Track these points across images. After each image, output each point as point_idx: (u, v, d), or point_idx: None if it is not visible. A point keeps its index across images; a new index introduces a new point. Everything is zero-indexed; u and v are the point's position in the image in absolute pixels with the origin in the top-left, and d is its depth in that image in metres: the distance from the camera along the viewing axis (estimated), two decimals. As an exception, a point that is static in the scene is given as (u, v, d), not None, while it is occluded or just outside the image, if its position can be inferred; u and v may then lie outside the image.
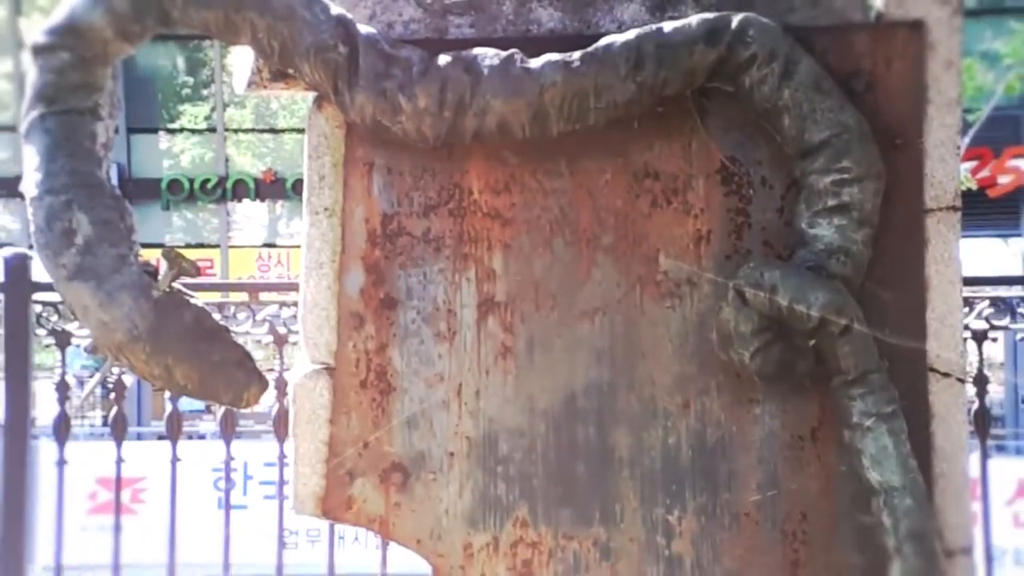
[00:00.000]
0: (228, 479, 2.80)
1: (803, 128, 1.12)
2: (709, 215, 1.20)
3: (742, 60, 1.11)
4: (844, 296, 1.10)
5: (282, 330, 2.42)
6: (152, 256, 1.17)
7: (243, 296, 2.79)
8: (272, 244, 12.10)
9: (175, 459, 2.59)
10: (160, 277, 1.13)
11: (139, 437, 8.25)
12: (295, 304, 2.00)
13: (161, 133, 12.18)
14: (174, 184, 11.63)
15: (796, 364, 1.14)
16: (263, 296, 2.72)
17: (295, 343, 2.23)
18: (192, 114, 12.23)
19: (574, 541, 1.20)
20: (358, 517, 1.22)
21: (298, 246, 1.26)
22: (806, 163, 1.14)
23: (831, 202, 1.12)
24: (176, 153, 12.15)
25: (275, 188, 11.73)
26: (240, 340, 1.30)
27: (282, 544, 2.68)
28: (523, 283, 1.21)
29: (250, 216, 12.38)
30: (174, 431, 2.58)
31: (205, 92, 12.27)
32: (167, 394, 2.44)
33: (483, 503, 1.20)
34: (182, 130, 12.16)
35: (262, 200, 12.00)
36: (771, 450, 1.20)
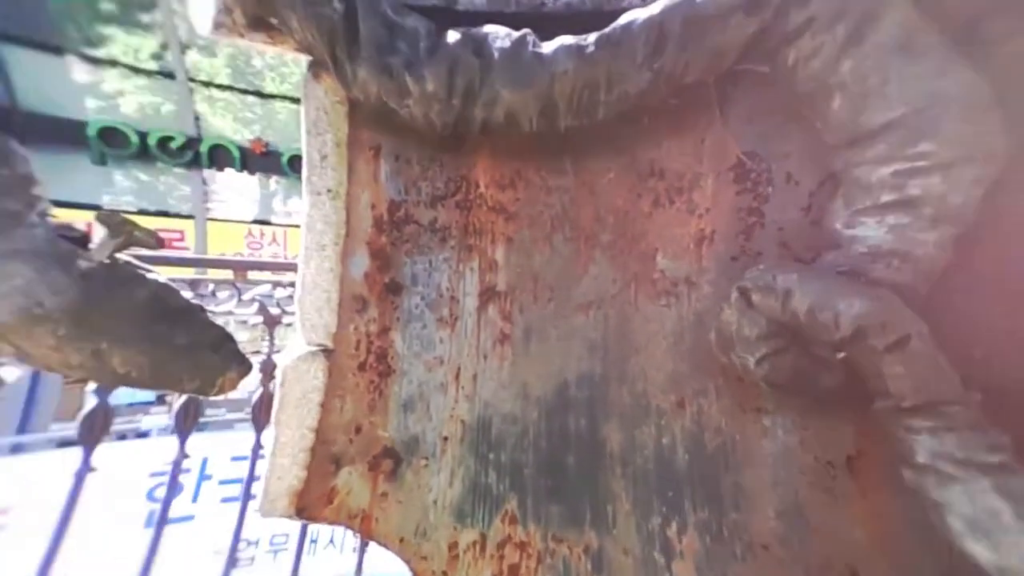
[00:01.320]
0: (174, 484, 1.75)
1: (860, 108, 0.89)
2: (715, 214, 1.12)
3: (791, 29, 0.88)
4: (890, 305, 0.87)
5: (275, 311, 2.28)
6: (82, 220, 0.91)
7: (227, 274, 2.60)
8: (265, 221, 9.82)
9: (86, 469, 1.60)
10: (95, 245, 0.89)
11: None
12: (290, 284, 1.82)
13: (71, 58, 8.20)
14: (111, 134, 8.36)
15: (818, 377, 0.94)
16: (252, 275, 2.52)
17: (289, 324, 2.08)
18: (128, 45, 8.48)
19: (564, 545, 1.09)
20: (338, 513, 1.09)
21: (295, 225, 1.15)
22: (854, 152, 0.92)
23: (886, 197, 0.89)
24: (110, 94, 8.54)
25: (268, 161, 9.49)
26: (221, 320, 1.15)
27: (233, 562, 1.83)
28: (523, 275, 1.15)
29: (235, 188, 10.09)
30: (96, 432, 1.67)
31: (145, 19, 8.43)
32: (91, 387, 1.74)
33: (473, 492, 1.12)
34: (115, 64, 8.43)
35: (251, 172, 9.61)
36: (788, 471, 1.03)
